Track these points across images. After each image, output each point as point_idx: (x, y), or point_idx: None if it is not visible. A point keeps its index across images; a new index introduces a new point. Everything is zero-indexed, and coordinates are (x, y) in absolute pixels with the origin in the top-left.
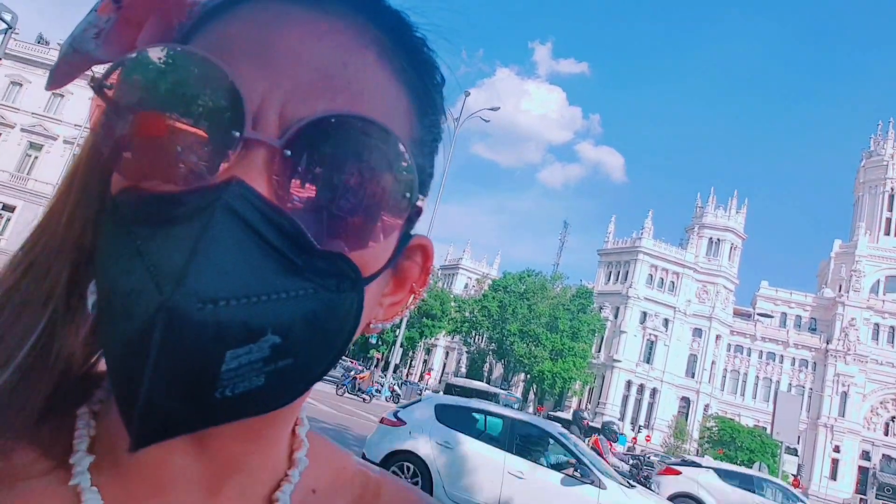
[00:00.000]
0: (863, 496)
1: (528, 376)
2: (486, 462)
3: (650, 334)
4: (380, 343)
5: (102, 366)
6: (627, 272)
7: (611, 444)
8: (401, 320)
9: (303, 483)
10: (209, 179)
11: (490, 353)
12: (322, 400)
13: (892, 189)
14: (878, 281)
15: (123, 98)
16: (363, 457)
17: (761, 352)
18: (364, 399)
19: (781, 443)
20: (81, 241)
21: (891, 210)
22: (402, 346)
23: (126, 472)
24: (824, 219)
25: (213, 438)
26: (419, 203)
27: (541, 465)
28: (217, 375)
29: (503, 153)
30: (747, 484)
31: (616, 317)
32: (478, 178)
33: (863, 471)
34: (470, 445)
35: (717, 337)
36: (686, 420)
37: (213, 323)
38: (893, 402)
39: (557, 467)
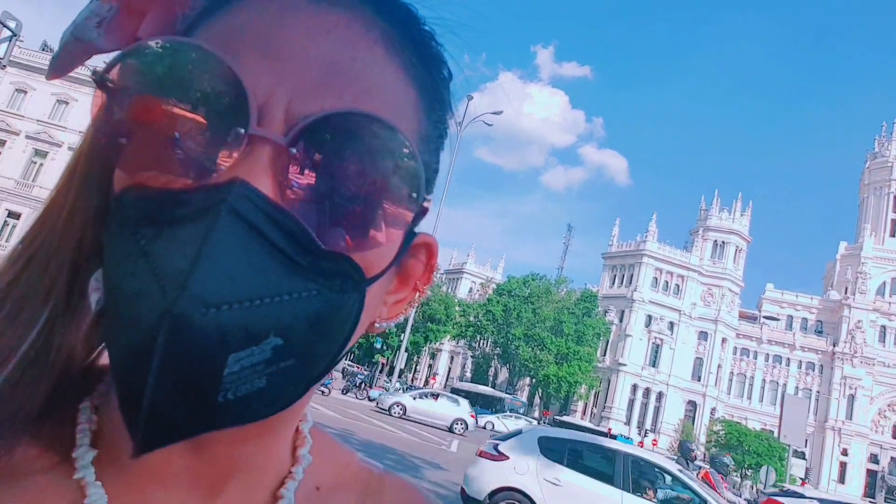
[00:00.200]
0: (871, 499)
1: (534, 380)
2: (598, 501)
3: (655, 338)
4: (385, 348)
5: (103, 359)
6: (632, 275)
7: (722, 478)
8: (405, 324)
9: (307, 480)
10: (213, 178)
11: (495, 357)
12: (327, 404)
13: None
14: (885, 283)
15: (125, 92)
16: (462, 492)
17: (767, 355)
18: (370, 399)
19: (789, 446)
20: (82, 235)
21: None
22: (406, 350)
23: (129, 467)
24: (829, 221)
25: (214, 438)
26: (426, 203)
27: (656, 503)
28: (219, 379)
29: (506, 157)
30: None
31: (621, 320)
32: (481, 182)
33: (871, 474)
34: (580, 482)
35: (723, 340)
36: (693, 424)
37: (216, 327)
38: None
39: None
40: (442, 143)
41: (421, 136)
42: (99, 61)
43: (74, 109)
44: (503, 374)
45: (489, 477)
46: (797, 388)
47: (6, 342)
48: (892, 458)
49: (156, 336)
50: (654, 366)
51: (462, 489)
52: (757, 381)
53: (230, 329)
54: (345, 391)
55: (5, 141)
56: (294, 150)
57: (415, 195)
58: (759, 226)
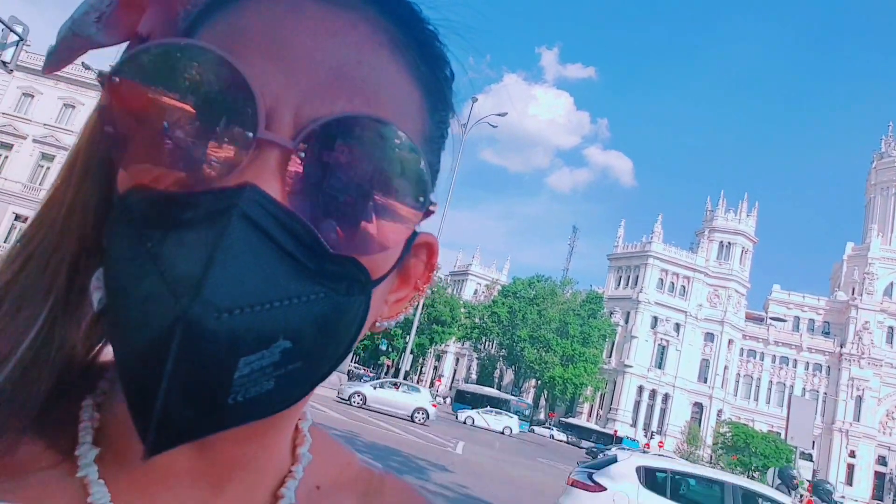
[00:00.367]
0: (880, 501)
1: (539, 382)
2: None
3: (661, 339)
4: (390, 350)
5: (104, 356)
6: (638, 277)
7: None
8: (411, 326)
9: (307, 479)
10: (222, 182)
11: (500, 359)
12: (332, 406)
13: None
14: (892, 283)
15: (133, 92)
16: None
17: (774, 356)
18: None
19: (796, 448)
20: (82, 233)
21: None
22: (412, 352)
23: (132, 465)
24: (836, 221)
25: (217, 437)
26: (431, 206)
27: None
28: (230, 382)
29: (511, 158)
30: None
31: (627, 322)
32: (486, 184)
33: (879, 476)
34: None
35: (730, 341)
36: (699, 426)
37: (228, 332)
38: None
39: None
40: (443, 143)
41: (424, 137)
42: (98, 62)
43: (81, 113)
44: (509, 376)
45: None
46: (804, 389)
47: (6, 340)
48: None
49: (169, 341)
50: (660, 367)
51: None
52: (764, 382)
53: (241, 333)
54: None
55: (12, 145)
56: (302, 154)
57: (421, 198)
58: (766, 226)
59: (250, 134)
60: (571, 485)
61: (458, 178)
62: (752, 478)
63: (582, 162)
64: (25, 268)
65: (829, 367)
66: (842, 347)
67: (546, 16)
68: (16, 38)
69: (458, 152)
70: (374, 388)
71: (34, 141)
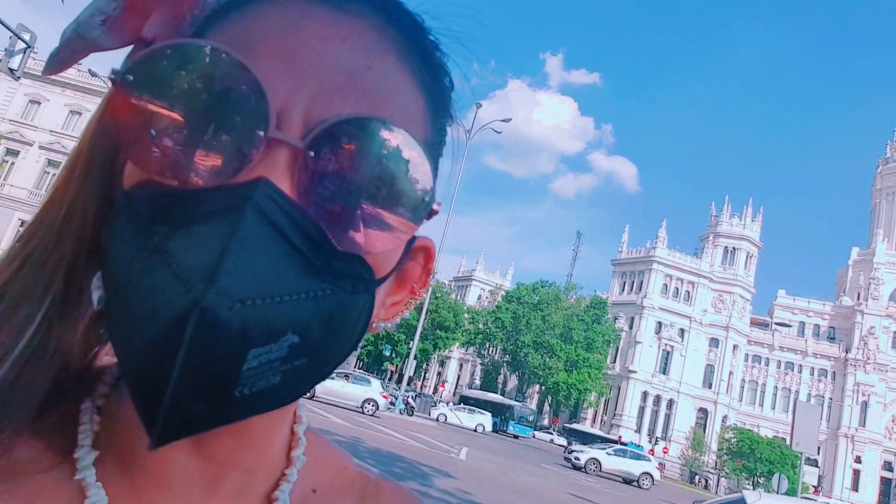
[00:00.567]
0: None
1: (543, 388)
2: None
3: (666, 344)
4: (394, 355)
5: (103, 360)
6: (642, 282)
7: None
8: (414, 332)
9: (303, 482)
10: (234, 178)
11: (504, 364)
12: (335, 412)
13: None
14: None
15: (147, 91)
16: None
17: (779, 361)
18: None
19: (801, 454)
20: (80, 233)
21: None
22: (415, 358)
23: (129, 468)
24: (841, 226)
25: (213, 437)
26: (435, 206)
27: None
28: (239, 374)
29: (515, 164)
30: None
31: (631, 327)
32: (490, 190)
33: (885, 482)
34: None
35: (735, 347)
36: (704, 432)
37: (240, 322)
38: None
39: None
40: (442, 150)
41: (427, 142)
42: (100, 68)
43: (87, 120)
44: (512, 382)
45: None
46: (809, 395)
47: (2, 340)
48: None
49: (183, 328)
50: (664, 373)
51: None
52: (769, 388)
53: (252, 324)
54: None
55: (19, 151)
56: (311, 153)
57: (426, 199)
58: (771, 232)
59: (262, 133)
60: None
61: (462, 184)
62: (758, 484)
63: (586, 167)
64: (23, 267)
65: (834, 372)
66: (847, 353)
67: (550, 21)
68: (23, 45)
69: (463, 157)
70: None
71: (40, 147)
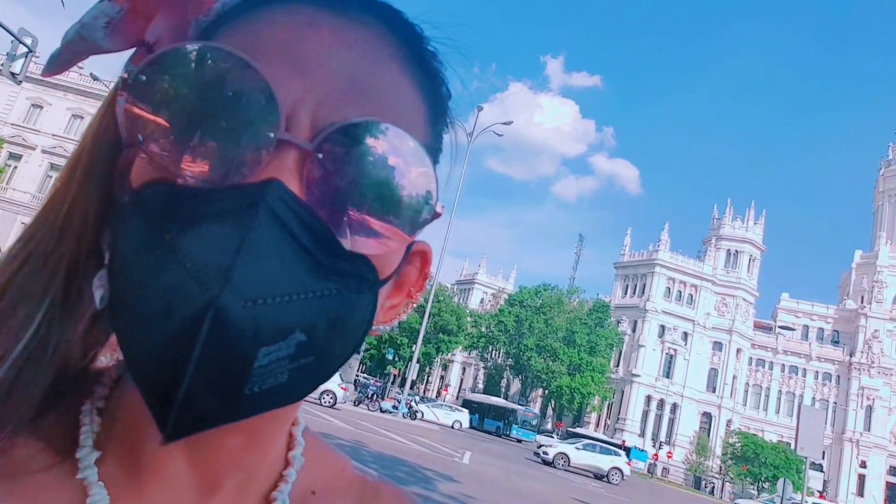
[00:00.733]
0: None
1: (546, 392)
2: None
3: (669, 348)
4: (396, 359)
5: (100, 363)
6: (645, 285)
7: None
8: (417, 335)
9: (302, 483)
10: (245, 178)
11: (507, 368)
12: (338, 415)
13: None
14: None
15: (161, 90)
16: None
17: (783, 365)
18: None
19: (806, 458)
20: (81, 234)
21: None
22: (418, 361)
23: (130, 469)
24: (844, 229)
25: (214, 437)
26: (438, 209)
27: None
28: (249, 372)
29: (517, 167)
30: None
31: (634, 331)
32: (492, 193)
33: (891, 486)
34: None
35: (738, 350)
36: (708, 436)
37: (252, 320)
38: None
39: None
40: (439, 156)
41: (427, 147)
42: (101, 71)
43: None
44: (515, 386)
45: None
46: (814, 399)
47: (2, 340)
48: None
49: (199, 327)
50: (667, 377)
51: None
52: (773, 392)
53: (263, 323)
54: (357, 403)
55: (21, 155)
56: (319, 155)
57: (430, 203)
58: (773, 235)
59: (272, 134)
60: None
61: (464, 187)
62: (763, 489)
63: (588, 170)
64: (24, 267)
65: (838, 376)
66: (851, 356)
67: (551, 24)
68: (25, 49)
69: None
70: None
71: (43, 152)
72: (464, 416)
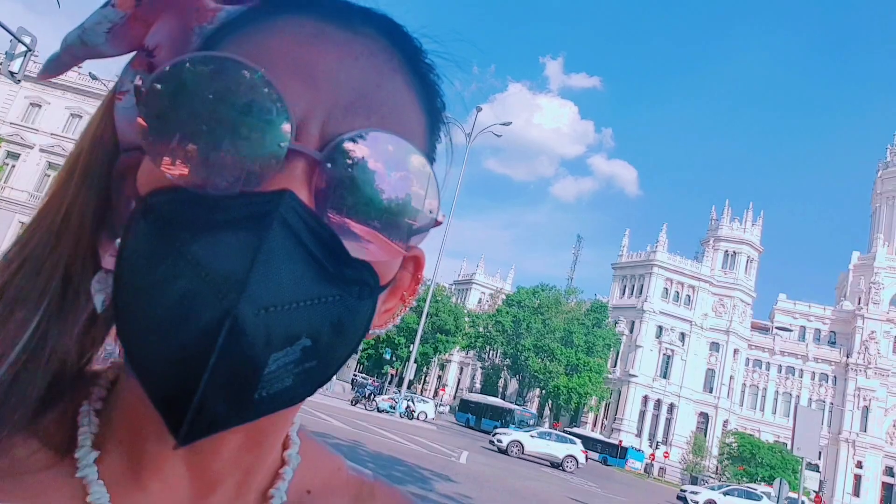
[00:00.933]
0: None
1: (544, 392)
2: None
3: (666, 349)
4: (394, 359)
5: (94, 365)
6: (642, 286)
7: None
8: (415, 335)
9: (297, 483)
10: (257, 187)
11: (504, 368)
12: (335, 415)
13: None
14: None
15: (174, 99)
16: None
17: (780, 366)
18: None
19: (802, 459)
20: (78, 236)
21: None
22: (416, 361)
23: (129, 468)
24: (842, 230)
25: (215, 438)
26: (440, 218)
27: None
28: (259, 378)
29: (516, 167)
30: None
31: (631, 331)
32: (491, 193)
33: (887, 487)
34: None
35: (735, 351)
36: (705, 436)
37: (264, 328)
38: None
39: None
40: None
41: (427, 157)
42: (96, 67)
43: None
44: (513, 386)
45: None
46: (810, 399)
47: None
48: None
49: (216, 335)
50: (665, 377)
51: None
52: (770, 392)
53: (274, 330)
54: (354, 402)
55: (20, 154)
56: (328, 165)
57: (432, 211)
58: (771, 236)
59: (283, 145)
60: None
61: (463, 187)
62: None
63: (586, 171)
64: (21, 270)
65: (835, 377)
66: (848, 357)
67: (550, 25)
68: (24, 48)
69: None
70: None
71: (41, 150)
72: (429, 407)
